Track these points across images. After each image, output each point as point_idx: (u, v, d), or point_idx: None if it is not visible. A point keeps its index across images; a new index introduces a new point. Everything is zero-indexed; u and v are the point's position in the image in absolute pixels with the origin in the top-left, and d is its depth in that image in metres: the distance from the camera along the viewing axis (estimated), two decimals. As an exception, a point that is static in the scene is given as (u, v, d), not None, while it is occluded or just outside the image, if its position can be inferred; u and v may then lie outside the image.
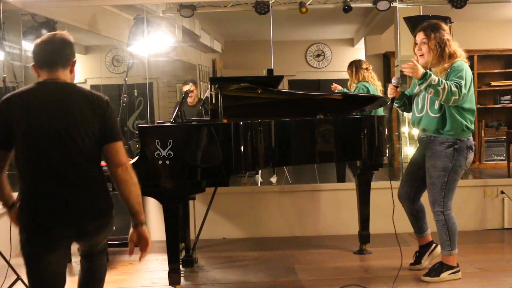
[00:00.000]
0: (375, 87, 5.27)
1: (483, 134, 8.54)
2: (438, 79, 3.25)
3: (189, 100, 6.01)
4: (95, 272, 2.52)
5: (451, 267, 3.51)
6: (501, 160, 8.35)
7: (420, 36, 3.44)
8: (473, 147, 3.47)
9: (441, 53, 3.38)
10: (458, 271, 3.53)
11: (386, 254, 4.11)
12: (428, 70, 3.30)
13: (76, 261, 4.12)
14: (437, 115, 3.39)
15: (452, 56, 3.38)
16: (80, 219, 2.26)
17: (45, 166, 2.25)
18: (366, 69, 5.31)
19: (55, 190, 2.24)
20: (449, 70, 3.35)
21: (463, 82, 3.26)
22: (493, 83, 8.66)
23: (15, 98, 2.30)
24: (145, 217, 2.35)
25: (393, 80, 3.51)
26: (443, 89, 3.20)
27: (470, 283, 3.49)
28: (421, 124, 3.51)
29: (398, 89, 3.51)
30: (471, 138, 3.48)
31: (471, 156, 3.46)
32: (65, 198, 2.23)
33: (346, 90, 5.36)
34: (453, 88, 3.22)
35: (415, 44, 3.50)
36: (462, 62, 3.38)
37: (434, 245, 3.74)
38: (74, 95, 2.32)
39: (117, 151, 2.33)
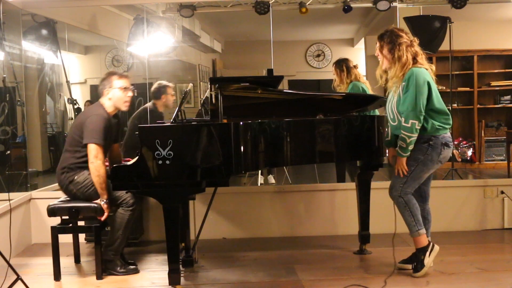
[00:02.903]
0: (365, 85, 5.21)
1: (483, 134, 8.54)
2: (405, 141, 3.46)
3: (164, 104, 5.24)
4: (114, 216, 3.76)
5: (425, 249, 3.55)
6: (501, 160, 8.35)
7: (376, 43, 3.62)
8: (450, 144, 3.55)
9: (393, 59, 3.52)
10: (432, 246, 3.57)
11: (386, 254, 4.11)
12: (404, 154, 3.51)
13: (84, 261, 4.14)
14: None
15: (400, 60, 3.48)
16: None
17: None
18: (355, 67, 5.24)
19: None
20: (403, 83, 3.47)
21: (416, 112, 3.41)
22: (493, 83, 8.66)
23: None
24: (107, 197, 3.70)
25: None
26: (412, 141, 3.46)
27: (470, 283, 3.49)
28: (398, 131, 3.57)
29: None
30: (448, 135, 3.56)
31: (446, 152, 3.54)
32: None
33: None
34: (415, 127, 3.43)
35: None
36: (413, 70, 3.45)
37: (431, 244, 3.69)
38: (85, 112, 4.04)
39: (88, 151, 3.69)
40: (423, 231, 3.57)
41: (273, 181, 6.91)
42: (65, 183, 3.80)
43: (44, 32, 5.50)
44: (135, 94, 3.94)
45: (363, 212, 4.17)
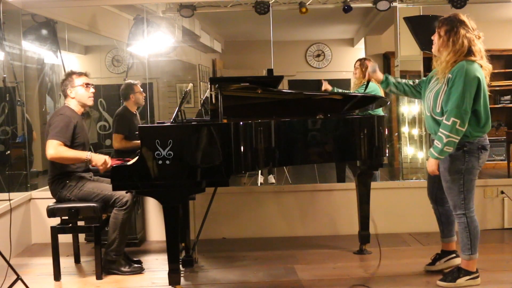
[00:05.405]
0: (379, 87, 5.31)
1: (483, 134, 8.53)
2: (441, 140, 3.16)
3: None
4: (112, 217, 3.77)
5: (469, 273, 3.36)
6: (501, 160, 8.35)
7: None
8: (486, 146, 3.29)
9: (447, 41, 3.26)
10: (477, 277, 3.37)
11: (386, 254, 4.11)
12: (436, 154, 3.21)
13: (84, 261, 4.15)
14: (440, 118, 3.25)
15: (455, 44, 3.20)
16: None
17: None
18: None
19: None
20: (449, 76, 3.19)
21: (460, 111, 3.11)
22: (493, 83, 8.64)
23: None
24: (87, 154, 3.72)
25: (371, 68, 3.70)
26: (450, 142, 3.15)
27: (470, 283, 3.49)
28: (427, 125, 3.40)
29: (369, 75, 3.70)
30: (483, 138, 3.29)
31: (484, 156, 3.30)
32: None
33: (338, 90, 5.40)
34: (456, 127, 3.12)
35: None
36: (464, 64, 3.16)
37: (454, 255, 3.63)
38: None
39: (46, 146, 3.67)
40: (476, 256, 3.35)
41: (273, 181, 6.91)
42: (58, 190, 3.82)
43: (44, 32, 5.51)
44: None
45: (363, 212, 4.17)
